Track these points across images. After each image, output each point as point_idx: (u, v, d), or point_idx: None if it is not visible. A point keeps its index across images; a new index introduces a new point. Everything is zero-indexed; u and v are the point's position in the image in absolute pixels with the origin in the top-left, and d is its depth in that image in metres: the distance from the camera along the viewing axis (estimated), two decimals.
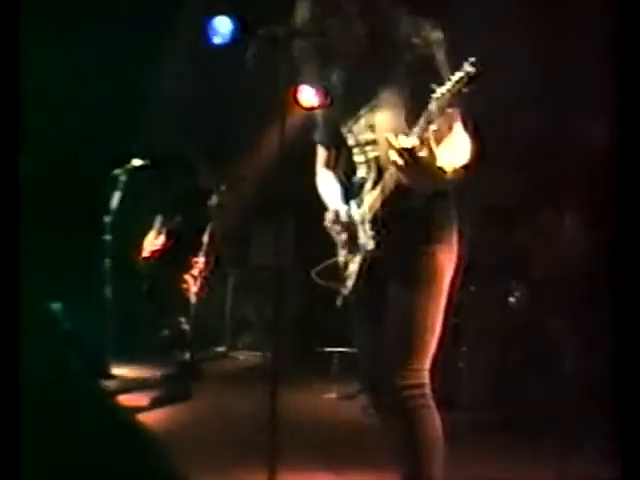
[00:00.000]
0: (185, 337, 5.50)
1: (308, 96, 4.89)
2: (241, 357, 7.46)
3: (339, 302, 2.94)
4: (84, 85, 6.14)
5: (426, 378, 2.76)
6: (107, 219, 5.75)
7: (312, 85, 4.47)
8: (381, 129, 2.73)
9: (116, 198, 5.75)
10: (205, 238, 5.68)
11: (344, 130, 2.93)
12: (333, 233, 2.95)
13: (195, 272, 5.61)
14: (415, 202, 2.70)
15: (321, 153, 3.14)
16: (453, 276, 2.82)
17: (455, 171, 2.58)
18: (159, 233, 5.58)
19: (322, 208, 3.04)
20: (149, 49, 6.29)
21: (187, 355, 5.51)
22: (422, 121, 2.46)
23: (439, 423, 2.76)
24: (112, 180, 5.71)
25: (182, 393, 5.44)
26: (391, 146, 2.49)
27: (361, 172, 2.90)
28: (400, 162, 2.47)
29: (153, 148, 5.94)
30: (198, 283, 5.60)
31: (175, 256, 5.55)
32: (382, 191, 2.69)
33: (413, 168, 2.47)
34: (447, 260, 2.78)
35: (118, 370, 6.04)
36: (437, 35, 2.71)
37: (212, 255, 5.80)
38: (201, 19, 6.45)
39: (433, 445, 2.74)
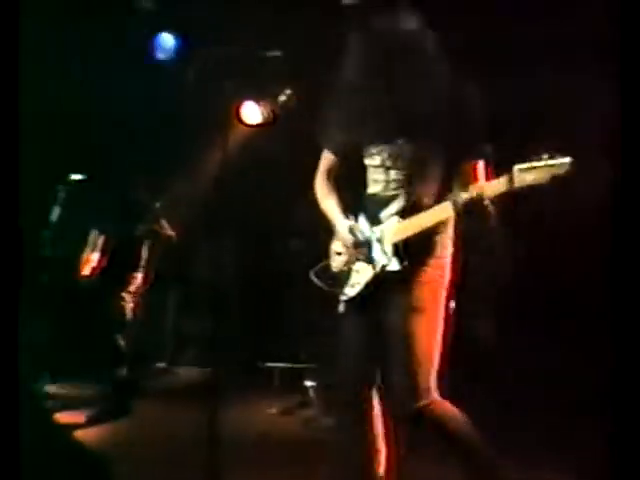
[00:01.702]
0: (122, 354, 5.46)
1: (252, 113, 4.90)
2: (182, 373, 7.40)
3: (342, 308, 3.14)
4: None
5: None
6: (46, 234, 5.68)
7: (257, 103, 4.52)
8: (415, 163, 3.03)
9: (55, 213, 5.68)
10: (143, 254, 5.65)
11: (368, 149, 3.13)
12: (343, 241, 3.16)
13: (132, 288, 5.58)
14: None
15: (328, 160, 3.29)
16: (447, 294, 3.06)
17: None
18: (94, 250, 5.53)
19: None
20: (91, 60, 6.23)
21: (125, 372, 5.47)
22: (503, 178, 2.76)
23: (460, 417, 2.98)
24: (52, 195, 5.65)
25: (121, 410, 5.39)
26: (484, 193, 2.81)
27: (375, 188, 3.12)
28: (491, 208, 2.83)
29: (92, 162, 5.90)
30: (135, 299, 5.57)
31: (114, 272, 5.51)
32: (419, 224, 2.95)
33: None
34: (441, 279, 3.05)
35: (56, 388, 5.95)
36: (472, 91, 3.01)
37: (151, 271, 5.76)
38: (145, 35, 6.42)
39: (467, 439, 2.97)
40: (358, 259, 3.11)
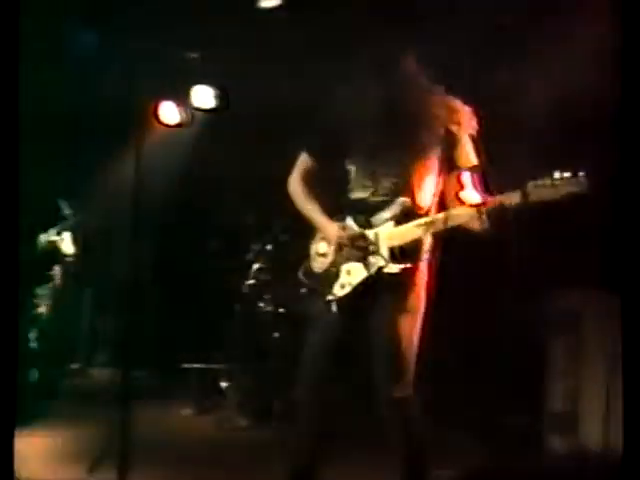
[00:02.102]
0: (32, 355, 5.36)
1: (169, 113, 4.85)
2: (95, 374, 7.31)
3: (334, 308, 3.18)
4: None
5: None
6: None
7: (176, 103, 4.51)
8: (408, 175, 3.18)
9: None
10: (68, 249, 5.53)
11: (354, 154, 3.25)
12: (331, 242, 3.24)
13: (47, 287, 5.49)
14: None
15: (306, 163, 3.37)
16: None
17: None
18: None
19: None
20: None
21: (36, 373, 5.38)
22: (514, 193, 2.91)
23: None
24: None
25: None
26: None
27: (360, 194, 3.24)
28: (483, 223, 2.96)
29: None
30: (50, 298, 5.47)
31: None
32: (412, 231, 3.10)
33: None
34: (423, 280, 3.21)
35: None
36: (466, 111, 3.21)
37: (67, 270, 5.68)
38: (60, 30, 6.29)
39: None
40: (349, 260, 3.19)
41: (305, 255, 3.38)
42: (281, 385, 5.29)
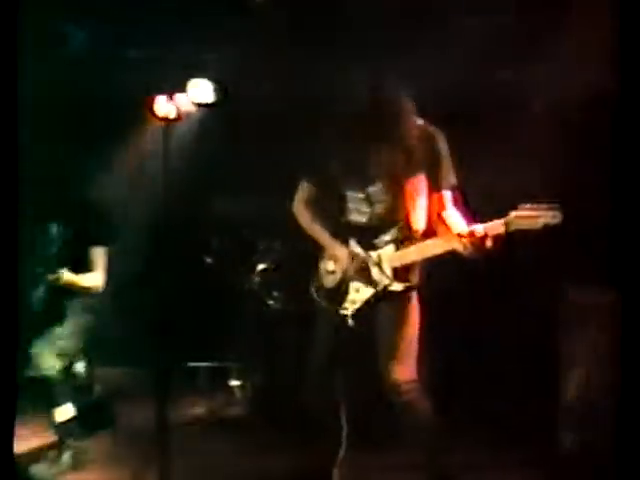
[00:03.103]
0: None
1: (164, 106, 4.73)
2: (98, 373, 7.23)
3: (351, 323, 3.55)
4: None
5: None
6: None
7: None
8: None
9: None
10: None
11: (351, 183, 3.56)
12: (338, 262, 3.59)
13: None
14: None
15: (307, 190, 3.70)
16: None
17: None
18: None
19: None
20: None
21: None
22: (496, 222, 3.20)
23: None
24: None
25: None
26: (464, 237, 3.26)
27: (359, 218, 3.58)
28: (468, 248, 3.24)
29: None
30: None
31: None
32: (419, 252, 3.45)
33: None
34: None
35: None
36: (441, 137, 3.52)
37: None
38: (52, 25, 6.20)
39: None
40: (356, 279, 3.56)
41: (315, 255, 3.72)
42: (292, 383, 5.19)
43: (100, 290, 4.76)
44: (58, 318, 4.70)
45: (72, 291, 4.66)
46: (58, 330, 4.67)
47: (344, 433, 3.72)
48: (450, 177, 3.51)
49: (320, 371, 3.67)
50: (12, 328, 2.26)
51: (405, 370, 3.51)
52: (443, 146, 3.52)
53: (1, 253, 2.39)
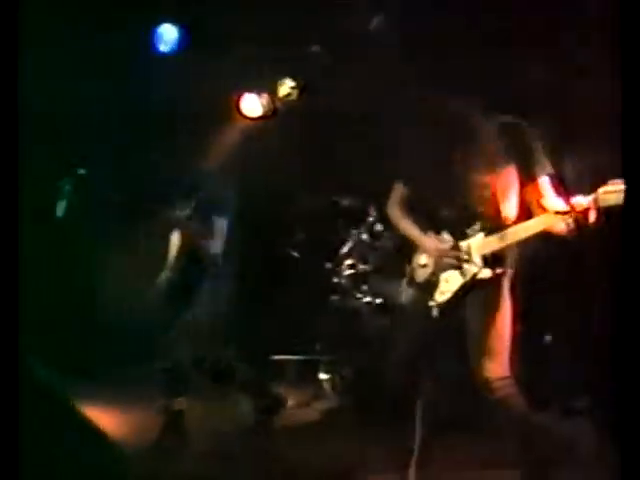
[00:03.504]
0: None
1: (251, 105, 4.77)
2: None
3: (435, 312, 3.60)
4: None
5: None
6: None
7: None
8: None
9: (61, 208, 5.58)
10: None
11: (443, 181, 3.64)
12: (430, 254, 3.68)
13: None
14: None
15: (400, 191, 3.84)
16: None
17: None
18: None
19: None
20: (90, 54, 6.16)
21: None
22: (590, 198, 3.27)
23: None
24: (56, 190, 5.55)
25: None
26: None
27: (451, 211, 3.66)
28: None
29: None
30: None
31: None
32: (501, 239, 3.51)
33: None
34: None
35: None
36: (527, 130, 3.57)
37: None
38: (145, 27, 6.33)
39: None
40: (446, 269, 3.61)
41: (405, 246, 3.85)
42: (380, 378, 5.18)
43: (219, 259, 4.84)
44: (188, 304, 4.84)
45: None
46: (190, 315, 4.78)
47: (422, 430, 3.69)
48: (545, 165, 3.55)
49: (407, 365, 3.73)
50: (11, 329, 2.26)
51: (497, 366, 3.50)
52: (532, 138, 3.56)
53: (1, 253, 2.40)
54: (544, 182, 3.52)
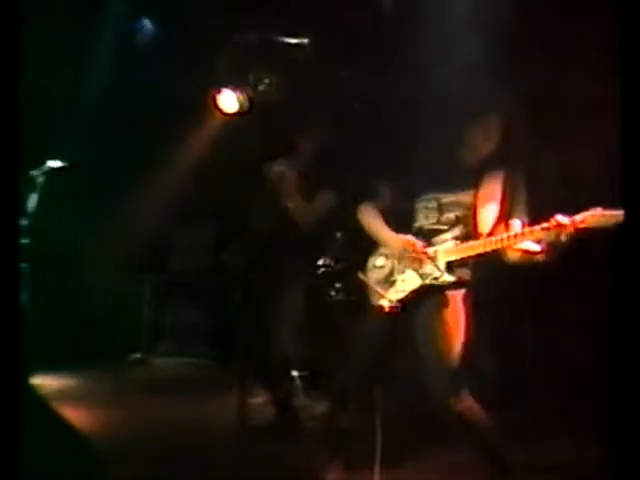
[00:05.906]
0: None
1: (229, 101, 4.78)
2: (158, 363, 7.38)
3: (387, 308, 3.53)
4: None
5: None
6: (24, 222, 5.55)
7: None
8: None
9: (32, 200, 5.56)
10: None
11: (420, 196, 3.67)
12: (392, 254, 3.64)
13: None
14: None
15: (379, 192, 3.80)
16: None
17: None
18: None
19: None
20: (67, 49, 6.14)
21: None
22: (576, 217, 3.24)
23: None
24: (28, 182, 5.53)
25: None
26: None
27: (425, 222, 3.66)
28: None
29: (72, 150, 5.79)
30: None
31: None
32: (476, 247, 3.47)
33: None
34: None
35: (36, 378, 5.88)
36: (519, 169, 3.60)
37: None
38: (123, 21, 6.32)
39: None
40: (405, 271, 3.60)
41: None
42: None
43: None
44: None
45: None
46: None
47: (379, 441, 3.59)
48: (523, 209, 3.54)
49: (361, 366, 3.69)
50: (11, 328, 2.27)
51: (454, 385, 3.46)
52: (520, 177, 3.59)
53: (1, 252, 2.41)
54: (517, 224, 3.49)
